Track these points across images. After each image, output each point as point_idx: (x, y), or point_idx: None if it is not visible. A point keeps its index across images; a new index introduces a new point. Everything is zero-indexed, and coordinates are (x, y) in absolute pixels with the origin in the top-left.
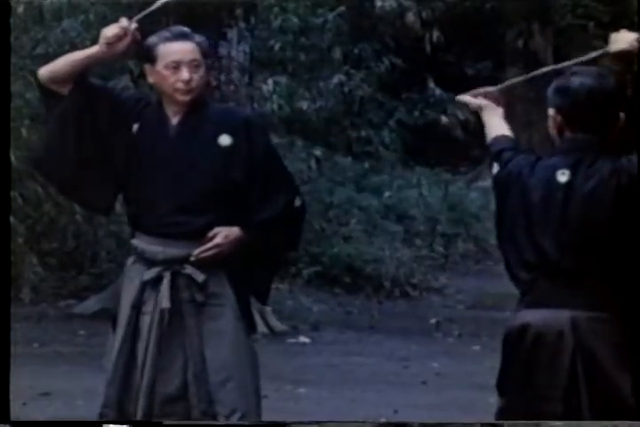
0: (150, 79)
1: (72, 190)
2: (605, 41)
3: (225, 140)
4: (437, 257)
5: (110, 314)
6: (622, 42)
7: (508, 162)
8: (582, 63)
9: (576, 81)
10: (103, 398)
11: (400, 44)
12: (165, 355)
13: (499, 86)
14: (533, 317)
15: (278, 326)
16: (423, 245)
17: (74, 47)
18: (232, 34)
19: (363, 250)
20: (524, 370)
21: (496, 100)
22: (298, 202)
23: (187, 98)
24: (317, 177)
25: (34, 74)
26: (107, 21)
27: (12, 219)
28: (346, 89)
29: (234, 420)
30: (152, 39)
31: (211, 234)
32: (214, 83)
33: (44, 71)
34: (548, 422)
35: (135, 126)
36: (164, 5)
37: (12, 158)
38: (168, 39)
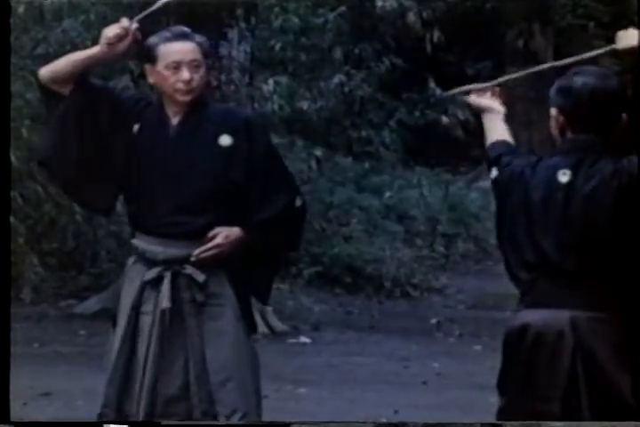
0: (151, 79)
1: (73, 191)
2: (606, 41)
3: (225, 140)
4: (438, 257)
5: (111, 314)
6: (630, 39)
7: (507, 166)
8: (584, 61)
9: (579, 81)
10: (103, 398)
11: (401, 44)
12: (166, 355)
13: (491, 82)
14: (533, 317)
15: (279, 326)
16: (424, 246)
17: (74, 47)
18: (233, 34)
19: (363, 250)
20: (524, 370)
21: (497, 96)
22: (298, 202)
23: (187, 98)
24: (318, 177)
25: (34, 74)
26: (107, 21)
27: (12, 219)
28: (346, 89)
29: (234, 420)
30: (152, 39)
31: (211, 234)
32: (215, 83)
33: (45, 71)
34: (548, 422)
35: (135, 126)
36: (165, 5)
37: (13, 158)
38: (168, 39)
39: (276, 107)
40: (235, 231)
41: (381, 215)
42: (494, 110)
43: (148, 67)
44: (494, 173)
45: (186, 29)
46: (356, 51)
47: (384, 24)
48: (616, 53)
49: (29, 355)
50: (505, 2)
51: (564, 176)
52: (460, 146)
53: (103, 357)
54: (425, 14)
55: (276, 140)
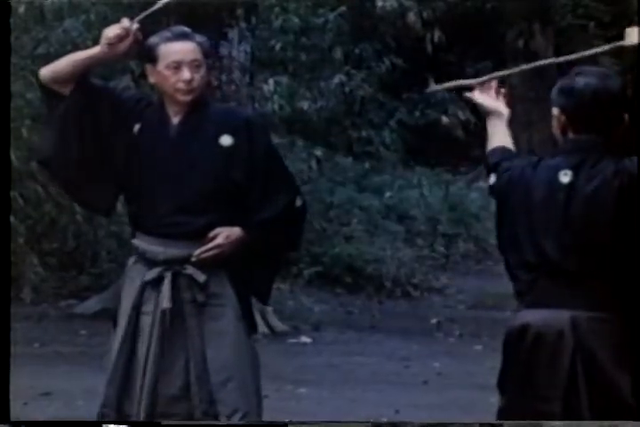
0: (151, 79)
1: (74, 191)
2: (606, 41)
3: (226, 140)
4: (438, 257)
5: (111, 314)
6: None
7: (506, 171)
8: (585, 59)
9: (581, 81)
10: (102, 398)
11: (401, 44)
12: (167, 355)
13: (480, 79)
14: (533, 317)
15: (279, 326)
16: (424, 245)
17: (75, 47)
18: (233, 34)
19: (364, 250)
20: (524, 370)
21: (503, 97)
22: (299, 202)
23: (188, 98)
24: (318, 177)
25: (35, 74)
26: (108, 21)
27: (12, 219)
28: (347, 89)
29: (235, 420)
30: (153, 39)
31: (211, 234)
32: (215, 83)
33: (46, 71)
34: (548, 422)
35: (136, 126)
36: (165, 5)
37: (13, 158)
38: (169, 39)
39: (276, 107)
40: (235, 231)
41: (382, 215)
42: (500, 114)
43: (148, 67)
44: (492, 179)
45: (186, 29)
46: (357, 51)
47: (384, 24)
48: (621, 50)
49: (30, 355)
50: (505, 2)
51: (565, 176)
52: (461, 146)
53: (103, 357)
54: (425, 14)
55: (276, 140)
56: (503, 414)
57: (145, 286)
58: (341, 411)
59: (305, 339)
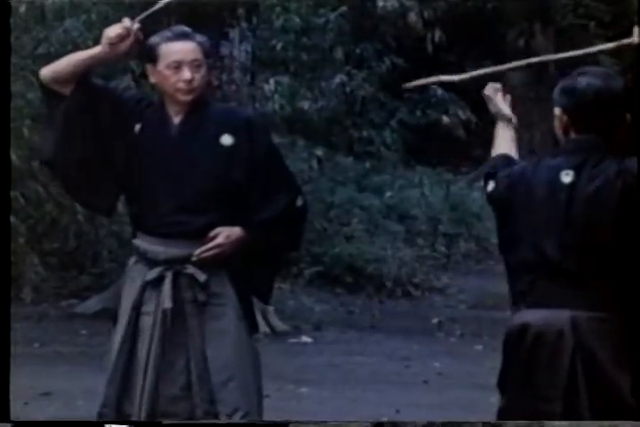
0: (152, 79)
1: (75, 191)
2: (606, 40)
3: (226, 139)
4: (439, 257)
5: (111, 314)
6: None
7: (506, 177)
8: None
9: (583, 81)
10: (102, 398)
11: (402, 44)
12: (168, 355)
13: (461, 75)
14: (533, 317)
15: (280, 325)
16: (425, 245)
17: (76, 47)
18: (234, 34)
19: (364, 250)
20: (524, 370)
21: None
22: (299, 202)
23: (188, 98)
24: (319, 177)
25: (35, 74)
26: (109, 21)
27: (13, 219)
28: (347, 89)
29: (236, 419)
30: (154, 39)
31: (212, 234)
32: (216, 83)
33: (46, 71)
34: (549, 422)
35: (137, 126)
36: (166, 5)
37: (14, 158)
38: (170, 39)
39: (277, 106)
40: (236, 231)
41: (382, 215)
42: (510, 119)
43: (149, 66)
44: (490, 186)
45: (187, 29)
46: (358, 50)
47: (385, 24)
48: (620, 49)
49: (30, 355)
50: (506, 2)
51: (566, 177)
52: (462, 146)
53: (103, 357)
54: (426, 14)
55: (277, 139)
56: (503, 414)
57: (146, 285)
58: (342, 411)
59: (306, 339)
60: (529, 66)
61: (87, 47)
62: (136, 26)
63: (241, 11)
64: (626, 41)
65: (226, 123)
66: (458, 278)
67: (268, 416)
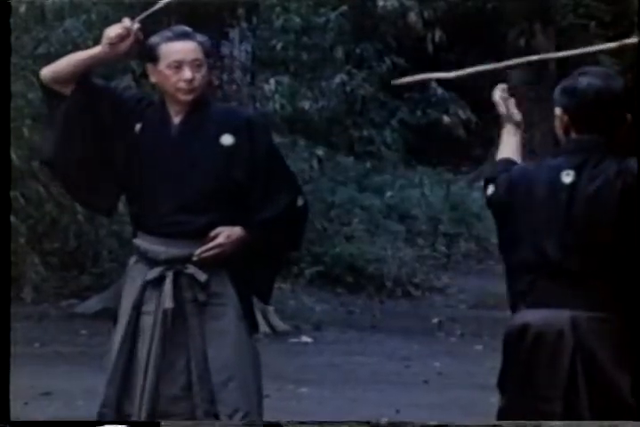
0: (152, 79)
1: (76, 191)
2: (607, 40)
3: (227, 139)
4: (439, 257)
5: (112, 314)
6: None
7: (505, 180)
8: (587, 59)
9: (584, 81)
10: (102, 397)
11: (402, 44)
12: (168, 355)
13: (452, 72)
14: (533, 316)
15: (280, 325)
16: (425, 245)
17: (76, 47)
18: (234, 33)
19: (365, 250)
20: (524, 370)
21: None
22: (300, 202)
23: (189, 97)
24: (319, 177)
25: (35, 74)
26: (109, 21)
27: (13, 219)
28: (348, 88)
29: (236, 419)
30: (154, 39)
31: (213, 234)
32: (216, 82)
33: (47, 71)
34: (549, 422)
35: (137, 126)
36: (167, 5)
37: (14, 158)
38: (170, 39)
39: (277, 106)
40: (236, 231)
41: (383, 215)
42: (518, 123)
43: (149, 66)
44: (490, 190)
45: (187, 29)
46: (358, 50)
47: (385, 24)
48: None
49: (30, 355)
50: (506, 1)
51: (567, 177)
52: (462, 145)
53: (103, 357)
54: (426, 14)
55: (277, 139)
56: (503, 414)
57: (146, 285)
58: (342, 411)
59: (306, 338)
60: (529, 64)
61: (87, 47)
62: (136, 26)
63: (241, 11)
64: (628, 41)
65: (226, 122)
66: (458, 278)
67: (268, 417)
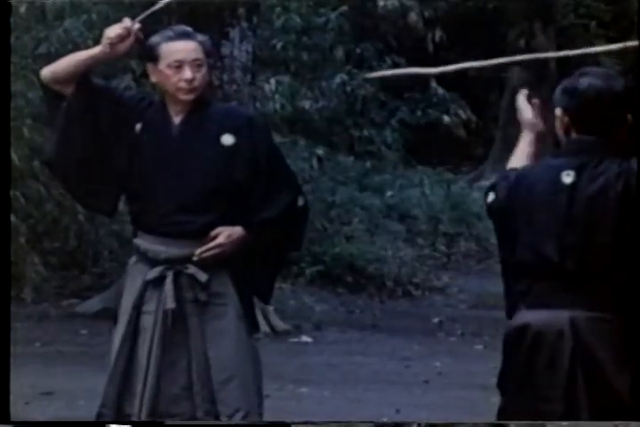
0: (153, 78)
1: (76, 191)
2: (607, 40)
3: (227, 139)
4: (440, 256)
5: (112, 314)
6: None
7: (505, 187)
8: (588, 60)
9: (584, 82)
10: (102, 397)
11: (402, 44)
12: (169, 355)
13: (446, 68)
14: (533, 317)
15: (281, 325)
16: (425, 245)
17: (76, 47)
18: (234, 33)
19: (365, 249)
20: (523, 370)
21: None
22: (300, 201)
23: (189, 97)
24: (319, 176)
25: (36, 73)
26: (109, 21)
27: (13, 218)
28: (348, 88)
29: (236, 419)
30: (154, 38)
31: (213, 233)
32: (217, 82)
33: (47, 71)
34: (549, 422)
35: (138, 126)
36: (167, 5)
37: (15, 158)
38: (170, 38)
39: (277, 106)
40: (237, 231)
41: (383, 214)
42: (539, 133)
43: (150, 66)
44: (490, 197)
45: (188, 29)
46: (358, 50)
47: (386, 23)
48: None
49: (31, 354)
50: (506, 1)
51: (567, 177)
52: (462, 145)
53: (105, 356)
54: (427, 14)
55: (278, 139)
56: (503, 414)
57: (146, 285)
58: (342, 411)
59: (306, 338)
60: (521, 63)
61: (87, 47)
62: (136, 26)
63: (241, 10)
64: (630, 43)
65: (227, 122)
66: (458, 278)
67: (268, 416)
